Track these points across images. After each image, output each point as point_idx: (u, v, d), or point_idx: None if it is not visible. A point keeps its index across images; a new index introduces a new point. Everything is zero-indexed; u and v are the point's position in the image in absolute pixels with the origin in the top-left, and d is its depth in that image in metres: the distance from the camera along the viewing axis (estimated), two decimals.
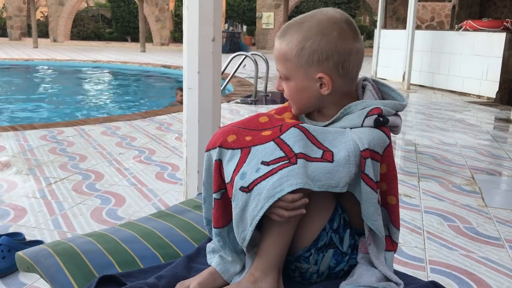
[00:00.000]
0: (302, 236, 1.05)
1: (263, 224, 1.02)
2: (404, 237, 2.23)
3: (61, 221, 2.31)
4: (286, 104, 1.18)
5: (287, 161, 0.94)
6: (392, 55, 9.33)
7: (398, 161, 3.59)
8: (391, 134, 1.08)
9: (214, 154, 1.04)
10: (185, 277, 1.09)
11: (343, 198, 1.06)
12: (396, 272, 1.11)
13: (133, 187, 2.82)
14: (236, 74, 7.56)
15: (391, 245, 1.10)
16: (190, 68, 1.70)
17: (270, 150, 0.97)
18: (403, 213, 2.52)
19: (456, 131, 4.75)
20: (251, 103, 6.26)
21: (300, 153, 0.96)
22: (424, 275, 1.89)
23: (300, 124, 1.02)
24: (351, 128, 1.04)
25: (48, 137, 4.01)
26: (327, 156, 0.97)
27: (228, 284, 1.07)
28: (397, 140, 4.33)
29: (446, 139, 4.38)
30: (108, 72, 11.85)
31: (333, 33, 1.03)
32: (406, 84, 8.02)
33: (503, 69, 6.91)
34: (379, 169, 1.02)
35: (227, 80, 7.10)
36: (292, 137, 0.99)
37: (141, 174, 3.06)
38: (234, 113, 5.50)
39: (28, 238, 2.11)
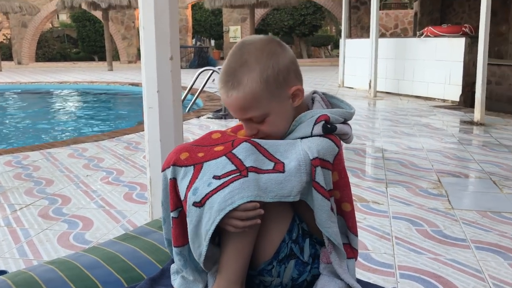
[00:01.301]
0: (262, 249, 1.06)
1: (222, 240, 1.02)
2: (373, 244, 2.25)
3: (26, 249, 2.25)
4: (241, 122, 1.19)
5: (238, 174, 0.95)
6: (358, 64, 9.50)
7: (366, 168, 3.65)
8: (343, 143, 1.11)
9: (169, 173, 1.04)
10: None
11: (300, 208, 1.07)
12: (359, 281, 1.12)
13: (101, 209, 2.78)
14: (205, 89, 7.57)
15: (352, 252, 1.11)
16: (149, 88, 1.70)
17: (221, 165, 0.98)
18: (372, 220, 2.55)
19: (423, 136, 4.85)
20: (222, 118, 6.26)
21: (251, 166, 0.97)
22: (394, 281, 1.91)
23: (252, 139, 1.03)
24: (302, 138, 1.06)
25: (13, 162, 3.92)
26: (279, 167, 0.98)
27: None
28: (365, 147, 4.39)
29: (413, 144, 4.47)
30: (75, 93, 11.69)
31: (277, 49, 1.06)
32: (372, 92, 8.16)
33: (465, 73, 7.11)
34: (330, 177, 1.04)
35: (195, 95, 7.10)
36: (243, 151, 0.99)
37: (109, 196, 3.01)
38: (203, 128, 5.49)
39: None
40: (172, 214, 1.05)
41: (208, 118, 6.24)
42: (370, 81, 8.23)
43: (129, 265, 1.27)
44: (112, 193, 3.08)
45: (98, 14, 18.80)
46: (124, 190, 3.13)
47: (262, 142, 1.03)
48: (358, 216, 2.61)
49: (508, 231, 2.40)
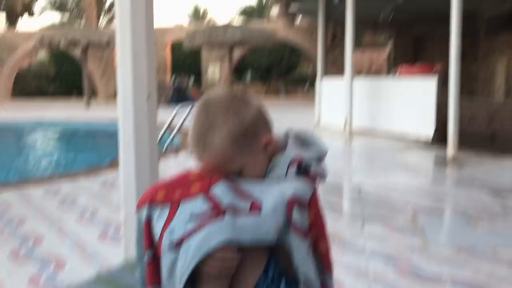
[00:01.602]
0: None
1: (197, 282, 1.01)
2: (350, 282, 2.25)
3: None
4: None
5: (215, 216, 0.95)
6: (333, 103, 9.67)
7: (343, 205, 3.67)
8: (319, 182, 1.12)
9: (144, 213, 1.03)
10: None
11: (276, 249, 1.07)
12: None
13: (74, 249, 2.71)
14: (183, 126, 7.56)
15: None
16: (125, 126, 1.70)
17: (198, 205, 0.98)
18: (350, 258, 2.55)
19: (398, 173, 4.92)
20: None
21: (228, 207, 0.97)
22: None
23: (229, 178, 1.04)
24: (278, 180, 1.07)
25: None
26: (255, 208, 0.99)
27: None
28: (342, 185, 4.42)
29: (389, 181, 4.52)
30: (51, 130, 11.56)
31: (242, 106, 1.07)
32: (348, 131, 8.29)
33: (438, 111, 7.28)
34: (307, 218, 1.05)
35: (173, 132, 7.09)
36: (220, 191, 1.00)
37: (83, 236, 2.95)
38: (181, 166, 5.47)
39: None
40: (146, 255, 1.04)
41: (187, 156, 6.22)
42: (346, 120, 8.36)
43: None
44: (86, 232, 3.02)
45: (76, 52, 18.85)
46: (98, 230, 3.07)
47: (239, 182, 1.04)
48: (335, 254, 2.60)
49: (482, 267, 2.42)
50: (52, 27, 26.67)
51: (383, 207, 3.56)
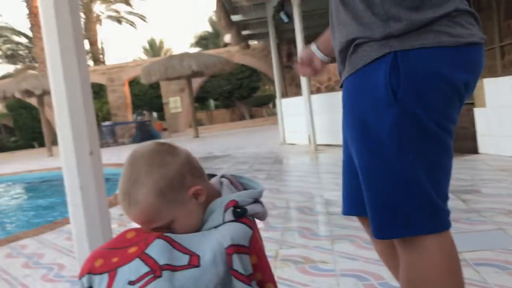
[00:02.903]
0: None
1: None
2: None
3: None
4: None
5: (152, 275, 0.94)
6: (296, 121, 9.78)
7: (311, 226, 3.67)
8: (257, 221, 1.13)
9: (85, 281, 1.02)
10: None
11: None
12: None
13: None
14: None
15: None
16: (71, 185, 1.68)
17: (135, 268, 0.97)
18: (321, 282, 2.55)
19: None
20: None
21: (165, 264, 0.96)
22: None
23: (165, 234, 1.03)
24: (216, 227, 1.07)
25: None
26: (194, 261, 0.99)
27: None
28: (309, 204, 4.44)
29: None
30: (13, 185, 11.25)
31: (167, 158, 1.07)
32: (313, 146, 8.38)
33: None
34: (249, 261, 1.05)
35: None
36: (156, 249, 0.99)
37: None
38: None
39: None
40: None
41: None
42: (309, 136, 8.46)
43: None
44: None
45: (33, 101, 18.53)
46: (65, 286, 2.98)
47: (175, 237, 1.03)
48: (306, 279, 2.61)
49: None
50: (5, 78, 26.21)
51: (351, 223, 3.58)
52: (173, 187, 1.05)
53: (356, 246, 3.05)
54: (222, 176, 1.19)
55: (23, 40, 31.35)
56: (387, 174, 1.16)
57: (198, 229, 1.10)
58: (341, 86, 1.40)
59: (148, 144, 1.10)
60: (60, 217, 5.72)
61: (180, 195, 1.06)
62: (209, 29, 37.46)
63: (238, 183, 1.19)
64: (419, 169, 1.14)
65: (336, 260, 2.84)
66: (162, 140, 1.12)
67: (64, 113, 1.65)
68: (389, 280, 2.45)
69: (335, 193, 4.73)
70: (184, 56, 15.81)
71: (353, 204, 1.46)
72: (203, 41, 37.16)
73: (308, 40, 9.39)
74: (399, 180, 1.15)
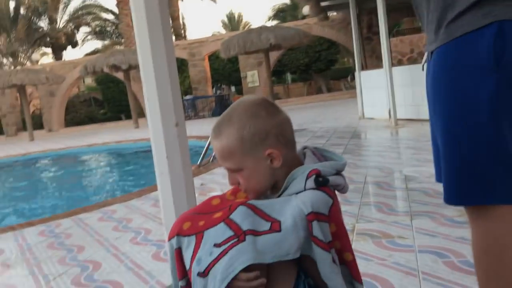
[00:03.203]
0: None
1: None
2: (400, 281, 2.23)
3: None
4: None
5: (236, 240, 1.00)
6: (375, 94, 9.53)
7: (390, 201, 3.62)
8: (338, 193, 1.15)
9: (174, 243, 1.10)
10: None
11: (304, 263, 1.11)
12: None
13: (130, 271, 2.84)
14: None
15: None
16: (158, 154, 1.78)
17: (220, 232, 1.03)
18: (398, 257, 2.53)
19: None
20: None
21: (248, 229, 1.01)
22: None
23: (248, 202, 1.09)
24: (296, 194, 1.10)
25: (46, 232, 4.05)
26: (275, 226, 1.03)
27: None
28: (388, 180, 4.37)
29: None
30: (104, 154, 12.03)
31: (262, 113, 1.13)
32: (393, 121, 8.15)
33: None
34: (328, 229, 1.07)
35: None
36: (240, 215, 1.05)
37: (138, 257, 3.08)
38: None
39: None
40: (180, 283, 1.10)
41: None
42: (390, 110, 8.23)
43: None
44: (140, 253, 3.15)
45: (120, 75, 19.49)
46: (152, 250, 3.19)
47: (257, 203, 1.08)
48: (383, 253, 2.60)
49: None
50: (94, 53, 27.72)
51: (431, 199, 3.50)
52: (253, 139, 1.10)
53: (437, 223, 2.98)
54: (305, 148, 1.22)
55: (110, 16, 32.87)
56: (477, 141, 1.17)
57: (261, 193, 1.15)
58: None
59: (256, 96, 1.18)
60: (147, 185, 6.06)
61: (256, 149, 1.11)
62: (287, 1, 37.07)
63: (320, 155, 1.21)
64: (510, 139, 1.15)
65: (415, 236, 2.80)
66: (270, 100, 1.18)
67: (151, 87, 1.74)
68: (470, 258, 2.39)
69: (415, 169, 4.61)
70: (262, 29, 15.82)
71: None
72: (281, 13, 36.88)
73: (389, 10, 9.03)
74: (489, 148, 1.16)
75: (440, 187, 3.50)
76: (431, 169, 4.52)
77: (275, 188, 1.19)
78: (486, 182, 1.18)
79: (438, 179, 1.49)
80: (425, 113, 8.27)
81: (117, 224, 4.02)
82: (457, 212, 3.13)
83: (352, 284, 1.14)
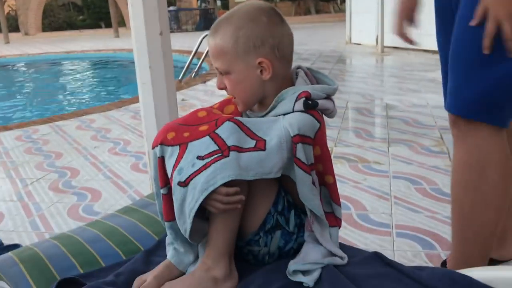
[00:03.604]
0: (249, 222, 1.11)
1: (209, 214, 1.08)
2: (372, 204, 2.31)
3: (38, 222, 2.35)
4: (229, 96, 1.22)
5: (220, 154, 0.99)
6: (365, 19, 9.33)
7: (369, 128, 3.66)
8: (325, 117, 1.14)
9: (157, 151, 1.09)
10: (143, 271, 1.15)
11: (285, 181, 1.12)
12: (342, 246, 1.18)
13: (108, 180, 2.86)
14: None
15: (335, 221, 1.16)
16: (141, 64, 1.73)
17: (205, 145, 1.02)
18: (373, 181, 2.59)
19: (428, 92, 4.83)
20: None
21: (233, 145, 1.01)
22: (390, 240, 1.97)
23: (235, 118, 1.07)
24: (284, 115, 1.09)
25: (23, 137, 4.01)
26: (260, 145, 1.02)
27: (183, 274, 1.13)
28: (369, 106, 4.39)
29: (418, 100, 4.45)
30: (82, 62, 11.73)
31: (263, 19, 1.08)
32: (380, 47, 8.06)
33: None
34: (312, 152, 1.07)
35: (201, 60, 7.08)
36: (226, 130, 1.03)
37: (117, 167, 3.10)
38: (209, 94, 5.52)
39: (6, 242, 2.15)
40: (162, 191, 1.10)
41: (215, 82, 6.23)
42: (377, 37, 8.11)
43: (128, 238, 1.35)
44: (119, 163, 3.16)
45: None
46: (131, 160, 3.21)
47: (244, 120, 1.07)
48: (358, 177, 2.66)
49: None
50: None
51: (410, 128, 3.55)
52: (247, 43, 1.07)
53: (413, 151, 3.04)
54: (299, 67, 1.19)
55: None
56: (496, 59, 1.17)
57: (248, 103, 1.14)
58: None
59: (264, 2, 1.13)
60: (126, 97, 5.99)
61: (248, 55, 1.08)
62: None
63: (313, 77, 1.18)
64: None
65: (391, 162, 2.86)
66: (277, 9, 1.14)
67: None
68: (442, 186, 2.47)
69: (397, 97, 4.63)
70: None
71: None
72: None
73: None
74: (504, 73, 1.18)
75: (419, 116, 3.54)
76: (412, 98, 4.57)
77: (262, 105, 1.17)
78: (493, 104, 1.23)
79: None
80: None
81: (95, 133, 4.00)
82: (434, 142, 3.20)
83: (330, 204, 1.16)
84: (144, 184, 2.76)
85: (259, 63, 1.09)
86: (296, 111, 1.08)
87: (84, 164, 3.20)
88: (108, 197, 2.61)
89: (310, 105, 1.08)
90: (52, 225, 2.31)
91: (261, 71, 1.10)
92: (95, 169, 3.07)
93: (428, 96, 4.63)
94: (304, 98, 1.08)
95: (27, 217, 2.42)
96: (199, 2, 21.85)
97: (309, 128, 1.06)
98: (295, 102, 1.09)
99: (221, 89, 1.15)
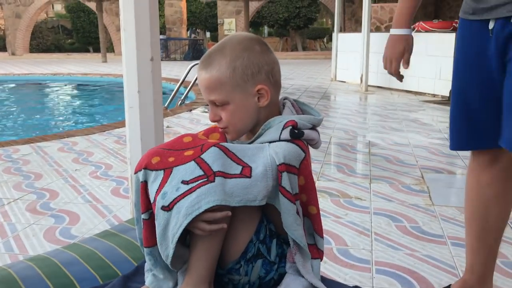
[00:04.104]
0: (230, 249, 1.10)
1: (190, 240, 1.07)
2: (352, 239, 2.31)
3: (13, 244, 2.30)
4: (214, 125, 1.22)
5: (206, 179, 0.99)
6: (350, 58, 9.53)
7: (351, 163, 3.70)
8: (310, 148, 1.16)
9: (140, 176, 1.08)
10: None
11: (268, 209, 1.12)
12: (323, 279, 1.17)
13: (88, 204, 2.82)
14: (197, 82, 7.58)
15: (317, 253, 1.16)
16: (130, 88, 1.74)
17: (190, 170, 1.02)
18: (354, 216, 2.60)
19: (410, 131, 4.91)
20: None
21: (218, 171, 1.01)
22: (369, 276, 1.96)
23: (221, 143, 1.07)
24: (270, 143, 1.10)
25: (3, 156, 3.94)
26: (246, 171, 1.03)
27: None
28: (352, 143, 4.44)
29: (400, 139, 4.52)
30: (68, 85, 11.68)
31: (256, 47, 1.11)
32: (364, 86, 8.21)
33: None
34: (296, 182, 1.08)
35: (188, 89, 7.12)
36: (211, 156, 1.04)
37: (97, 191, 3.05)
38: (194, 122, 5.53)
39: None
40: (142, 216, 1.09)
41: (203, 112, 6.25)
42: (362, 76, 8.27)
43: (106, 262, 1.32)
44: (99, 187, 3.12)
45: (92, 5, 18.71)
46: (111, 185, 3.17)
47: (230, 146, 1.07)
48: (340, 212, 2.67)
49: None
50: None
51: (392, 166, 3.59)
52: (245, 71, 1.08)
53: (394, 188, 3.07)
54: (285, 98, 1.21)
55: None
56: None
57: (242, 132, 1.15)
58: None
59: (250, 33, 1.16)
60: (110, 122, 5.95)
61: (247, 83, 1.09)
62: None
63: (299, 108, 1.20)
64: None
65: (372, 199, 2.88)
66: (262, 39, 1.16)
67: (129, 15, 1.67)
68: (422, 225, 2.49)
69: (379, 135, 4.70)
70: None
71: (471, 137, 1.52)
72: None
73: None
74: None
75: (401, 155, 3.59)
76: (394, 136, 4.63)
77: (250, 133, 1.18)
78: None
79: (455, 147, 1.56)
80: (396, 82, 8.32)
81: (77, 156, 3.95)
82: (415, 181, 3.23)
83: (313, 236, 1.16)
84: (124, 210, 2.72)
85: (258, 90, 1.10)
86: (282, 140, 1.09)
87: (64, 186, 3.15)
88: (86, 221, 2.56)
89: (296, 135, 1.10)
90: (27, 247, 2.26)
91: (258, 98, 1.12)
92: (75, 192, 3.03)
93: (410, 135, 4.71)
94: (290, 127, 1.10)
95: (1, 238, 2.36)
96: (188, 32, 22.11)
97: (295, 157, 1.07)
98: (281, 131, 1.10)
99: (215, 121, 1.14)
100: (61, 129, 6.40)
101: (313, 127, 1.15)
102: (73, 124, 7.03)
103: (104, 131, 5.01)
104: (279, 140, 1.09)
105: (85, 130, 5.14)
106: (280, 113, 1.18)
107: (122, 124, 5.41)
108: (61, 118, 7.68)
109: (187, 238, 1.08)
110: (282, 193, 1.05)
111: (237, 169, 1.03)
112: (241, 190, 1.00)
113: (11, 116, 7.79)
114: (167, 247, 1.01)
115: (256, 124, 1.15)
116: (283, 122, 1.11)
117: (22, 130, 6.51)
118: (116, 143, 4.45)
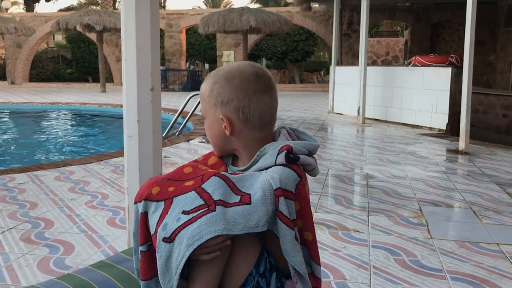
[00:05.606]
0: (229, 282, 1.09)
1: (189, 273, 1.05)
2: (351, 273, 2.28)
3: (5, 274, 2.25)
4: (212, 150, 1.24)
5: (206, 209, 0.99)
6: (347, 91, 9.62)
7: (349, 196, 3.68)
8: (308, 175, 1.15)
9: (140, 207, 1.07)
10: None
11: (268, 242, 1.11)
12: None
13: (83, 234, 2.78)
14: (195, 112, 7.61)
15: (315, 282, 1.14)
16: (129, 117, 1.74)
17: (190, 200, 1.02)
18: (352, 249, 2.58)
19: (407, 164, 4.91)
20: None
21: (219, 200, 1.00)
22: None
23: (221, 173, 1.07)
24: (267, 168, 1.10)
25: None
26: (245, 199, 1.02)
27: None
28: (350, 175, 4.44)
29: (397, 172, 4.52)
30: (66, 114, 11.71)
31: (236, 80, 1.12)
32: (361, 119, 8.26)
33: (451, 102, 7.23)
34: (293, 207, 1.07)
35: (186, 119, 7.15)
36: (212, 185, 1.03)
37: (92, 220, 3.02)
38: (192, 152, 5.52)
39: None
40: (141, 248, 1.08)
41: (201, 142, 6.26)
42: (359, 108, 8.33)
43: None
44: (95, 217, 3.09)
45: (92, 36, 18.95)
46: (107, 215, 3.14)
47: (230, 176, 1.07)
48: (338, 244, 2.64)
49: (484, 261, 2.43)
50: (69, 10, 26.82)
51: (389, 199, 3.58)
52: (217, 97, 1.13)
53: (392, 221, 3.05)
54: (282, 127, 1.21)
55: None
56: None
57: (218, 149, 1.19)
58: None
59: (258, 67, 1.17)
60: (107, 151, 5.94)
61: (216, 108, 1.14)
62: None
63: (295, 136, 1.20)
64: None
65: (370, 231, 2.85)
66: (266, 73, 1.18)
67: (131, 45, 1.69)
68: (421, 258, 2.46)
69: (377, 167, 4.70)
70: (244, 10, 15.66)
71: None
72: (264, 1, 36.57)
73: (371, 10, 9.08)
74: None
75: (399, 187, 3.59)
76: (392, 169, 4.63)
77: (239, 158, 1.18)
78: None
79: None
80: (392, 115, 8.42)
81: (74, 185, 3.93)
82: (413, 213, 3.22)
83: (310, 264, 1.15)
84: (120, 240, 2.69)
85: (221, 118, 1.13)
86: (278, 165, 1.09)
87: (59, 216, 3.12)
88: (81, 251, 2.53)
89: (292, 159, 1.09)
90: (19, 277, 2.22)
91: (224, 126, 1.13)
92: (70, 222, 3.00)
93: (407, 168, 4.71)
94: (286, 151, 1.10)
95: None
96: (188, 64, 22.35)
97: (290, 181, 1.07)
98: (277, 156, 1.10)
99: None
100: (58, 158, 6.38)
101: (310, 154, 1.15)
102: (71, 153, 7.01)
103: (101, 160, 5.00)
104: (275, 164, 1.09)
105: (82, 159, 5.13)
106: (274, 140, 1.18)
107: (119, 153, 5.40)
108: (58, 147, 7.66)
109: (185, 270, 1.07)
110: (280, 218, 1.04)
111: (236, 198, 1.03)
112: (243, 217, 1.00)
113: (8, 144, 7.77)
114: (171, 279, 0.99)
115: (233, 149, 1.16)
116: (278, 147, 1.12)
117: (19, 158, 6.48)
118: (113, 172, 4.43)
